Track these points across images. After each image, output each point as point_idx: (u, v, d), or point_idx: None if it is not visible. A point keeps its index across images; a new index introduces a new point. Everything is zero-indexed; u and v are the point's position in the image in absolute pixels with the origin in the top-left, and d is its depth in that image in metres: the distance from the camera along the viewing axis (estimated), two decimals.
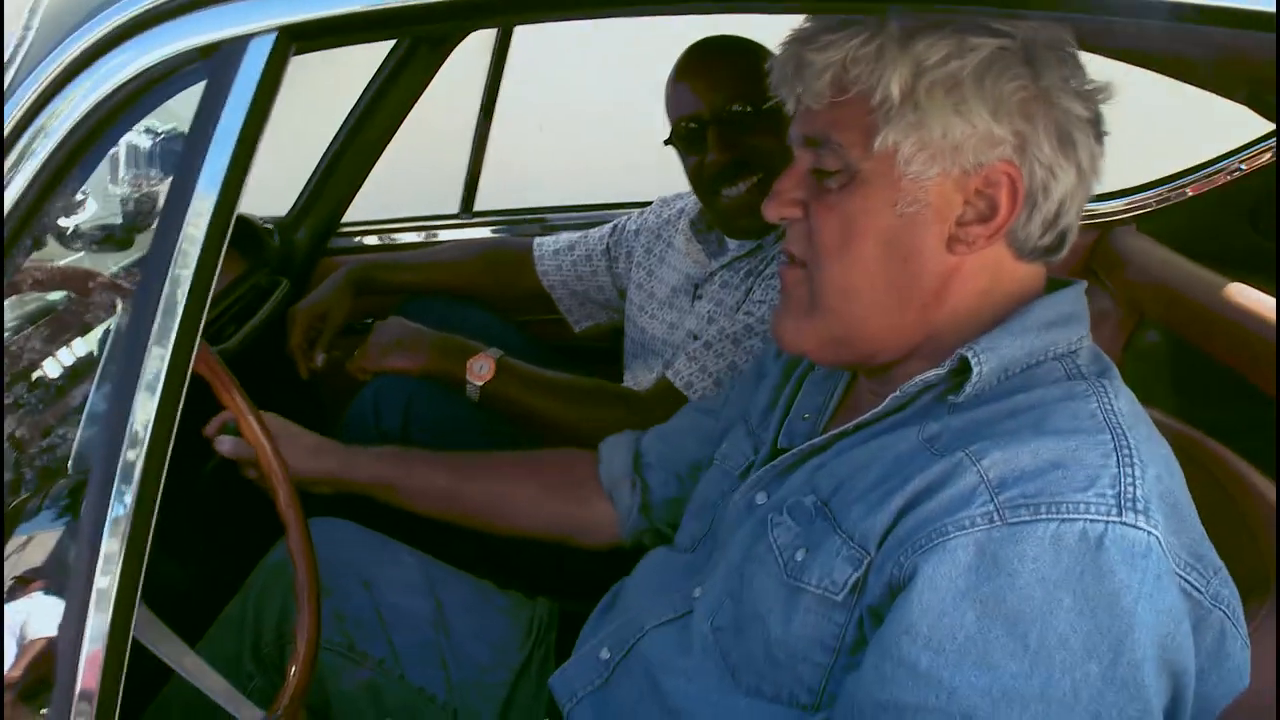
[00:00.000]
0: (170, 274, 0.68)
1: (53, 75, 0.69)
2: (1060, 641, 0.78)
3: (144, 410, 0.73)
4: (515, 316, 2.25)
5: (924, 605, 0.82)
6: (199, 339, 0.71)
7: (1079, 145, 0.93)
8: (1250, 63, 1.52)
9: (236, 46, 0.68)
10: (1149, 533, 0.79)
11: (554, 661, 1.36)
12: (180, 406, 0.74)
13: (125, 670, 0.80)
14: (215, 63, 0.68)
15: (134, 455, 0.75)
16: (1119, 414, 0.86)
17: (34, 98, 0.70)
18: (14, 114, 0.70)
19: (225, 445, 1.35)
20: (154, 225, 0.70)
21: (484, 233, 2.55)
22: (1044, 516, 0.79)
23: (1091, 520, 0.79)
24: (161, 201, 0.69)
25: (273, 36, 0.68)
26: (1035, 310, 0.95)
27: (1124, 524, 0.78)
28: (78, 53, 0.69)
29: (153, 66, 0.69)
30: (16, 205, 0.71)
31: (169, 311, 0.70)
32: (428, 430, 1.78)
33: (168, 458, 0.77)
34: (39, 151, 0.71)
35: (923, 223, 0.93)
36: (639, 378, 1.98)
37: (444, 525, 1.49)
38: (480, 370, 1.67)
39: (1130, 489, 0.80)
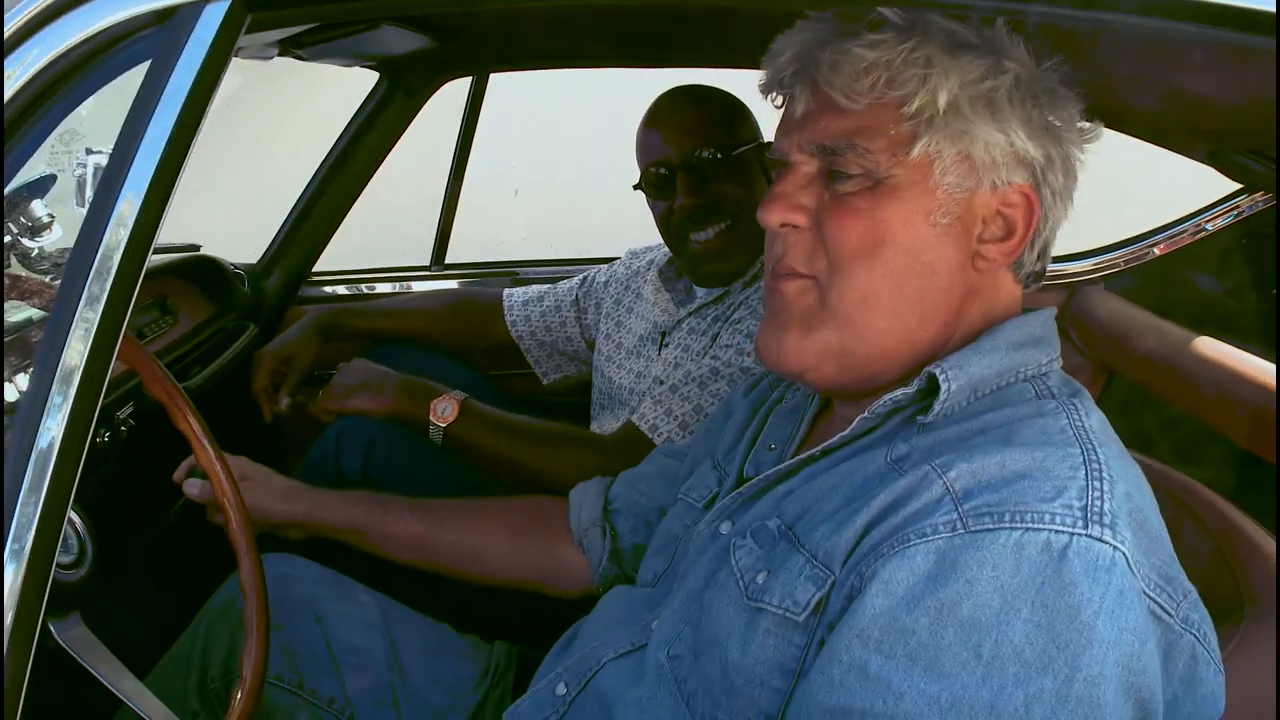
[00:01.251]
0: (102, 248, 0.66)
1: (8, 35, 0.69)
2: (1014, 653, 0.75)
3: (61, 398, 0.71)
4: (484, 370, 2.24)
5: (877, 609, 0.79)
6: (124, 330, 0.69)
7: (1073, 180, 0.95)
8: (1213, 116, 1.55)
9: (192, 11, 0.67)
10: (1115, 548, 0.76)
11: (510, 704, 1.32)
12: (104, 386, 0.72)
13: (24, 693, 0.77)
14: (170, 27, 0.67)
15: (38, 482, 0.73)
16: (1090, 430, 0.85)
17: None
18: None
19: (193, 489, 1.33)
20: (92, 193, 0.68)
21: (454, 285, 2.56)
22: (1007, 525, 0.77)
23: (1056, 531, 0.76)
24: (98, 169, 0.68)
25: (228, 3, 0.67)
26: (1004, 331, 0.94)
27: (1089, 537, 0.76)
28: (35, 11, 0.68)
29: (110, 27, 0.68)
30: None
31: (92, 301, 0.68)
32: (389, 473, 1.76)
33: (76, 480, 0.75)
34: None
35: (953, 236, 0.92)
36: (606, 429, 1.96)
37: (402, 566, 1.46)
38: (444, 411, 1.65)
39: (1098, 503, 0.78)
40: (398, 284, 2.52)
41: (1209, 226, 2.15)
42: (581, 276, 2.17)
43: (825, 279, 0.95)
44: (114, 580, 1.13)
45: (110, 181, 0.66)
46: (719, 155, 1.71)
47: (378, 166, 2.26)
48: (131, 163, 0.65)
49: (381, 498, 1.44)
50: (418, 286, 2.53)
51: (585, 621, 1.23)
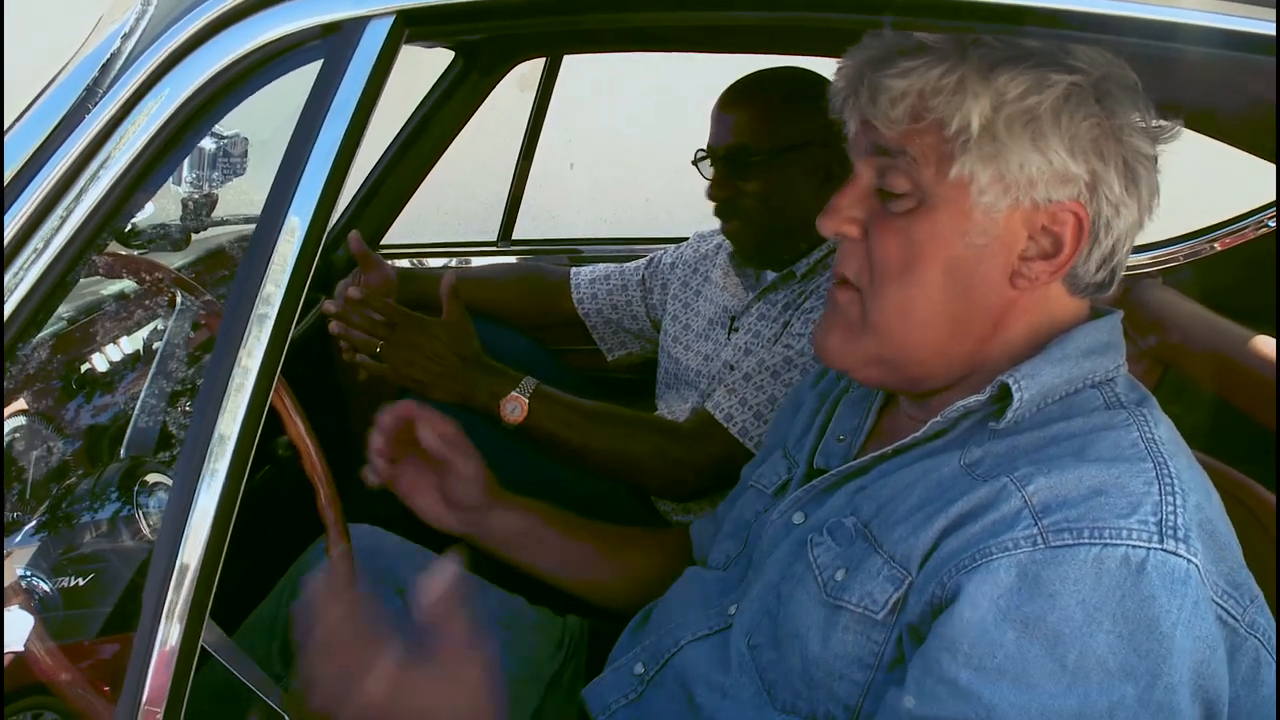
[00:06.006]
0: (279, 241, 0.71)
1: (178, 43, 0.73)
2: (1098, 663, 0.79)
3: (230, 419, 0.76)
4: (548, 344, 2.26)
5: (965, 624, 0.83)
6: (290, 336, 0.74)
7: (1142, 182, 0.93)
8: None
9: (356, 26, 0.71)
10: (1189, 560, 0.80)
11: (584, 677, 1.36)
12: (265, 409, 0.77)
13: (193, 675, 0.82)
14: (335, 41, 0.72)
15: (216, 467, 0.78)
16: (1160, 443, 0.88)
17: (158, 63, 0.73)
18: (138, 77, 0.73)
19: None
20: (265, 196, 0.72)
21: (515, 261, 2.58)
22: (1086, 541, 0.81)
23: (1134, 546, 0.80)
24: (273, 173, 0.72)
25: (391, 19, 0.71)
26: (1074, 339, 0.96)
27: (1165, 551, 0.80)
28: (204, 23, 0.72)
29: (278, 39, 0.73)
30: (147, 147, 0.74)
31: (265, 306, 0.71)
32: None
33: (248, 470, 0.80)
34: (162, 112, 0.74)
35: (989, 255, 0.93)
36: (672, 408, 1.99)
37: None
38: (512, 413, 1.62)
39: (1172, 517, 0.82)
40: (460, 259, 2.55)
41: (1271, 223, 2.13)
42: (649, 257, 2.19)
43: (867, 292, 0.98)
44: None
45: (281, 191, 0.70)
46: (753, 156, 1.73)
47: (449, 143, 2.28)
48: (303, 173, 0.69)
49: (537, 528, 1.40)
50: (479, 261, 2.56)
51: (660, 602, 1.27)
